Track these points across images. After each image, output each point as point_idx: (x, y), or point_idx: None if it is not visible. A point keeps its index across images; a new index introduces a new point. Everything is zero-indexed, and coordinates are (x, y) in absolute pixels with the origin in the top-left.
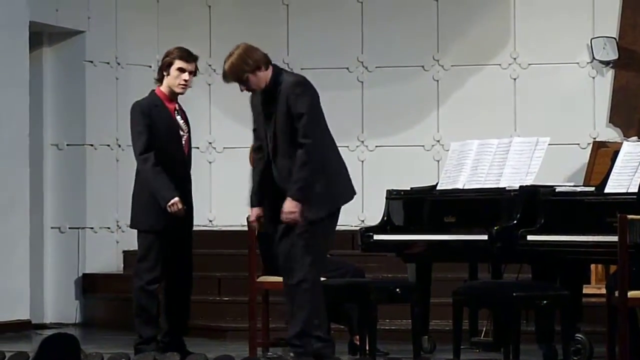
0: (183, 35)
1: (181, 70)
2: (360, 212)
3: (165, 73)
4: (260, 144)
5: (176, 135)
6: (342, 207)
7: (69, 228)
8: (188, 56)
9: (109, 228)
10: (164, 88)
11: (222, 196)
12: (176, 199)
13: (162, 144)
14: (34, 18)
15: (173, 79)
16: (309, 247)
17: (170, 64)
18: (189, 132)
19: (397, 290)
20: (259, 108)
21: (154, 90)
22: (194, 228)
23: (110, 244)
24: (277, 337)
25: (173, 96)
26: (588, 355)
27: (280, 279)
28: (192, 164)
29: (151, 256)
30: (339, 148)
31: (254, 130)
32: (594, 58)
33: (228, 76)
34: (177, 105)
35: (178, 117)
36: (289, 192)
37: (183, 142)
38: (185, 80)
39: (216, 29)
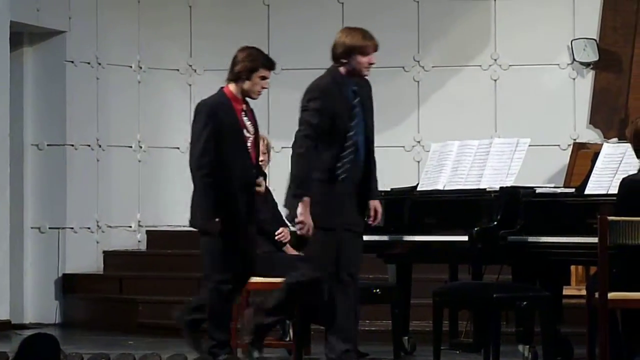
0: (164, 36)
1: (263, 78)
2: None
3: (245, 77)
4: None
5: (241, 136)
6: None
7: (49, 228)
8: (271, 65)
9: (89, 228)
10: (234, 89)
11: None
12: (210, 224)
13: (225, 145)
14: (14, 18)
15: (252, 85)
16: None
17: (254, 70)
18: (255, 133)
19: (377, 290)
20: (351, 99)
21: (222, 89)
22: (179, 228)
23: (91, 244)
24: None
25: (243, 97)
26: (568, 357)
27: (260, 279)
28: (261, 165)
29: (219, 257)
30: None
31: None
32: (574, 59)
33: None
34: (244, 106)
35: (245, 118)
36: (374, 193)
37: (249, 144)
38: (264, 88)
39: (197, 29)
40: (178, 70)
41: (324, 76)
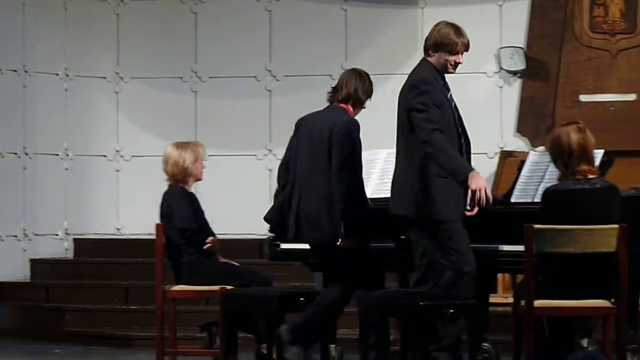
0: (91, 44)
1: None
2: None
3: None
4: None
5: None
6: (249, 216)
7: None
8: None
9: (15, 236)
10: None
11: (130, 204)
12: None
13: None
14: None
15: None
16: None
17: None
18: None
19: (303, 299)
20: (446, 92)
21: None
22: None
23: (17, 252)
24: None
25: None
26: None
27: (188, 287)
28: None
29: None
30: (247, 157)
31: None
32: (501, 68)
33: None
34: None
35: None
36: None
37: None
38: None
39: (124, 38)
40: (105, 78)
41: (420, 69)
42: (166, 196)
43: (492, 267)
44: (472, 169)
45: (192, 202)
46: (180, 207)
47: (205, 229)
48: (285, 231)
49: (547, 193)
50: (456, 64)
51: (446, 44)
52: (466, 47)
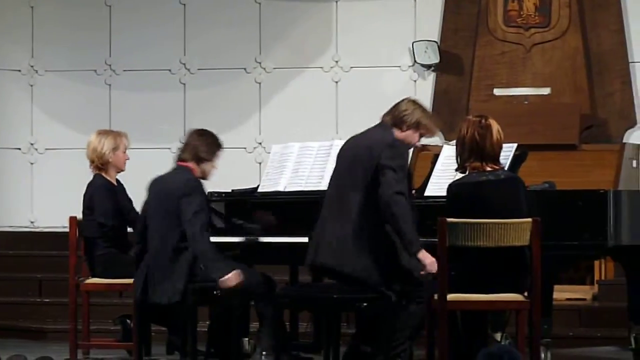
0: (5, 37)
1: None
2: None
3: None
4: None
5: None
6: None
7: None
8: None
9: None
10: None
11: (44, 197)
12: None
13: None
14: None
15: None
16: None
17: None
18: None
19: (217, 292)
20: None
21: None
22: (21, 229)
23: None
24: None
25: None
26: (408, 358)
27: (102, 280)
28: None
29: None
30: (160, 150)
31: None
32: (415, 61)
33: None
34: None
35: None
36: None
37: None
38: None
39: (39, 30)
40: (20, 71)
41: (389, 133)
42: (89, 188)
43: None
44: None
45: (114, 195)
46: (102, 201)
47: (124, 224)
48: None
49: (452, 187)
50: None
51: (428, 128)
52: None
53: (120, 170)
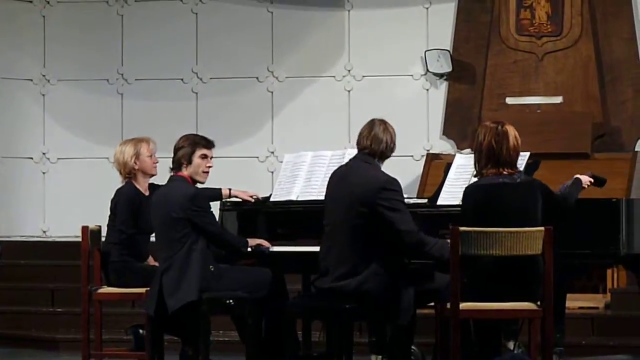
0: (17, 46)
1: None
2: None
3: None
4: None
5: None
6: None
7: None
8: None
9: None
10: None
11: (56, 207)
12: None
13: None
14: None
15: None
16: None
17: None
18: None
19: (230, 301)
20: None
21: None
22: (33, 238)
23: None
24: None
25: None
26: None
27: (115, 290)
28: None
29: None
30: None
31: None
32: (427, 70)
33: None
34: None
35: None
36: None
37: None
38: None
39: (50, 39)
40: (32, 80)
41: (377, 167)
42: (116, 193)
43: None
44: None
45: (138, 204)
46: (123, 209)
47: (144, 233)
48: None
49: (468, 189)
50: None
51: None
52: None
53: (150, 174)
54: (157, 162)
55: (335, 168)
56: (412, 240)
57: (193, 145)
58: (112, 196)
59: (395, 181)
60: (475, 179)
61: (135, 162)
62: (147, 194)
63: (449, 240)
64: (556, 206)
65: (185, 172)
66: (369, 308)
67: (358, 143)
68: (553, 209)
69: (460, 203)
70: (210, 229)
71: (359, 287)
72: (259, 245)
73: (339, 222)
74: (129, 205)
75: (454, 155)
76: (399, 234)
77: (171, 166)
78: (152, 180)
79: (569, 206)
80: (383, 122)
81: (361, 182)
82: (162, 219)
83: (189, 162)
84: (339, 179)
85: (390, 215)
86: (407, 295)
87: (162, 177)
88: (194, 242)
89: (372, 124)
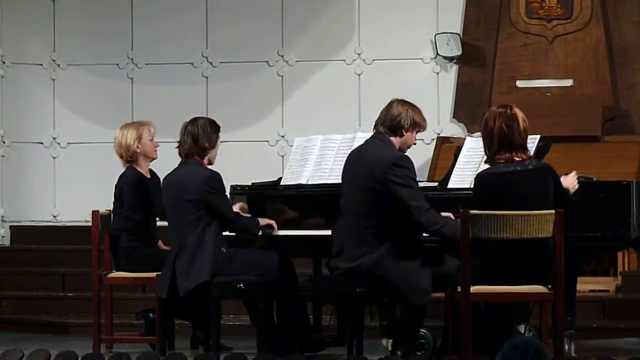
0: (27, 31)
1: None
2: None
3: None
4: None
5: None
6: None
7: None
8: None
9: None
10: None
11: (66, 192)
12: None
13: None
14: None
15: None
16: None
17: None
18: None
19: (241, 285)
20: None
21: None
22: (43, 223)
23: None
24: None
25: None
26: (431, 350)
27: (125, 274)
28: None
29: None
30: None
31: None
32: (437, 54)
33: None
34: None
35: None
36: None
37: None
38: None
39: (60, 24)
40: (42, 65)
41: (391, 145)
42: (120, 179)
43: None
44: None
45: (144, 188)
46: (130, 194)
47: (152, 218)
48: None
49: (480, 177)
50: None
51: (420, 124)
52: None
53: (151, 158)
54: (157, 146)
55: (345, 152)
56: (422, 216)
57: (215, 132)
58: (116, 182)
59: (406, 158)
60: (486, 164)
61: (137, 146)
62: (149, 177)
63: (459, 220)
64: (561, 198)
65: (202, 157)
66: (383, 288)
67: (374, 125)
68: (558, 197)
69: (472, 187)
70: (223, 212)
71: (373, 267)
72: (267, 226)
73: (353, 200)
74: (135, 189)
75: (464, 139)
76: (409, 210)
77: (183, 148)
78: (151, 165)
79: (570, 200)
80: (401, 100)
81: (374, 160)
82: (175, 201)
83: (212, 147)
84: (354, 159)
85: (401, 191)
86: (425, 275)
87: (172, 162)
88: (208, 225)
89: (389, 103)
